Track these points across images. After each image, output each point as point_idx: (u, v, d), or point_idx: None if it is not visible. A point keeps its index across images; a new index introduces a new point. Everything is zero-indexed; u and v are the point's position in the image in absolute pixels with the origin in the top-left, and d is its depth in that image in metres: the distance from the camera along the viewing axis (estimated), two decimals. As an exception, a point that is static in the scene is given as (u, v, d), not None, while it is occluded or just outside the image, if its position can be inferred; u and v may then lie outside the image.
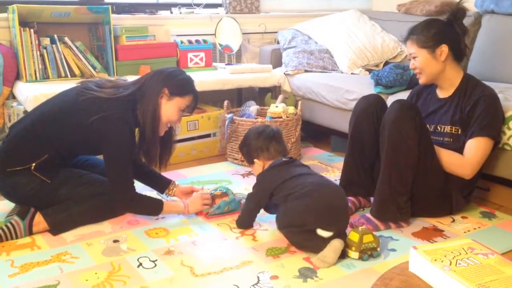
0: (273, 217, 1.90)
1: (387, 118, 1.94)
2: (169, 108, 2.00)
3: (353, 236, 1.75)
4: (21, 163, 1.93)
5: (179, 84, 2.02)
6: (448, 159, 1.98)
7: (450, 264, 1.01)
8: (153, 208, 2.02)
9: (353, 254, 1.74)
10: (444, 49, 1.99)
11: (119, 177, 1.93)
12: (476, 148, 1.95)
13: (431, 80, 2.07)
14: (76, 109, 1.93)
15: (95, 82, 2.04)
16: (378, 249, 1.77)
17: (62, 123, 1.94)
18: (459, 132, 2.01)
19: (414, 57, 2.05)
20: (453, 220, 2.07)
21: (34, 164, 1.92)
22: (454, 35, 2.02)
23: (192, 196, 2.15)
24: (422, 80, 2.08)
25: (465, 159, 1.96)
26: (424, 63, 2.02)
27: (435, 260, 1.03)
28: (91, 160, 2.23)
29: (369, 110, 2.08)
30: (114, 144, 1.91)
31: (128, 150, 1.95)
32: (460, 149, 2.00)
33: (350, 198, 2.14)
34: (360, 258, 1.74)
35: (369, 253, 1.75)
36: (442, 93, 2.10)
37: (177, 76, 2.03)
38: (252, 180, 2.54)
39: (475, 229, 2.01)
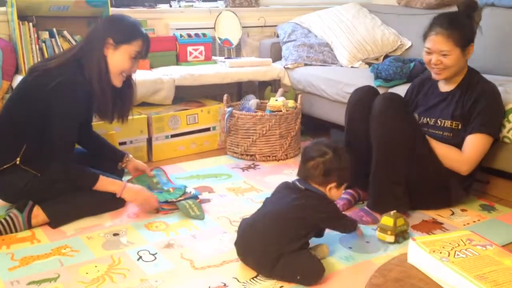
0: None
1: (373, 112, 1.95)
2: (118, 58, 1.94)
3: (387, 221, 1.80)
4: (6, 160, 1.93)
5: (123, 30, 1.95)
6: (446, 153, 1.97)
7: (449, 255, 1.01)
8: (85, 180, 1.96)
9: (389, 238, 1.79)
10: (471, 48, 1.97)
11: (63, 142, 1.90)
12: (474, 144, 1.95)
13: (451, 76, 2.01)
14: (30, 90, 1.93)
15: (43, 59, 2.01)
16: (408, 230, 1.84)
17: (24, 108, 1.93)
18: (459, 128, 2.01)
19: (444, 55, 1.93)
20: (453, 213, 2.07)
21: (18, 159, 1.92)
22: (475, 32, 1.99)
23: (139, 187, 2.09)
24: (442, 76, 2.00)
25: (463, 155, 1.96)
26: (455, 61, 1.95)
27: (434, 251, 1.03)
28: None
29: (362, 101, 2.08)
30: (65, 109, 1.88)
31: (79, 115, 1.93)
32: (459, 144, 1.99)
33: (349, 191, 2.15)
34: (396, 241, 1.79)
35: (402, 235, 1.81)
36: (444, 87, 2.09)
37: (120, 22, 1.97)
38: (252, 173, 2.55)
39: (474, 222, 2.01)
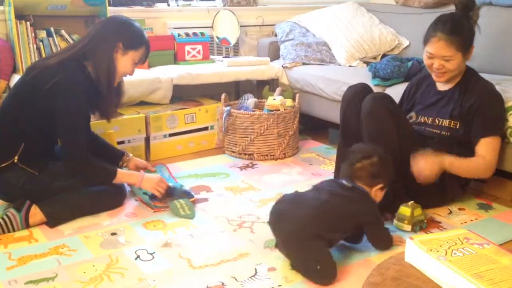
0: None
1: (363, 111, 1.96)
2: (124, 62, 2.01)
3: (404, 211, 1.87)
4: (3, 159, 1.93)
5: (133, 37, 2.01)
6: (471, 168, 1.96)
7: (446, 254, 1.01)
8: (106, 175, 2.01)
9: (406, 227, 1.87)
10: (472, 50, 1.97)
11: (74, 142, 1.93)
12: (492, 147, 1.96)
13: (451, 78, 2.01)
14: (28, 88, 1.94)
15: (42, 58, 2.03)
16: (425, 220, 1.91)
17: (22, 107, 1.93)
18: (457, 127, 2.01)
19: (447, 60, 1.93)
20: (450, 212, 2.08)
21: (16, 157, 1.92)
22: (474, 32, 1.98)
23: (152, 174, 2.18)
24: (443, 79, 2.00)
25: (488, 161, 1.95)
26: (457, 65, 1.95)
27: (431, 250, 1.03)
28: None
29: (355, 98, 2.08)
30: (68, 108, 1.90)
31: (82, 113, 1.97)
32: (456, 143, 2.00)
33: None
34: (413, 230, 1.87)
35: (419, 225, 1.89)
36: (442, 86, 2.09)
37: (129, 28, 2.02)
38: (250, 172, 2.55)
39: (472, 220, 2.01)
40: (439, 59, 1.94)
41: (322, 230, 1.60)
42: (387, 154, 1.80)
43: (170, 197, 2.12)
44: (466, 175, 2.00)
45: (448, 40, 1.90)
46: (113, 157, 2.27)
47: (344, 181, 1.75)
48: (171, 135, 2.77)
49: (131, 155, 2.32)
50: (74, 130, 1.93)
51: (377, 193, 1.77)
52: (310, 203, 1.66)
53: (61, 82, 1.87)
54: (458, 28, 1.92)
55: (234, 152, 2.79)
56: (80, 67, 1.95)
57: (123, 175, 2.06)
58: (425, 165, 1.90)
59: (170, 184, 2.20)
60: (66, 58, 1.94)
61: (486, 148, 1.96)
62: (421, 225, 1.90)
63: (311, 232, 1.58)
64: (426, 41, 1.99)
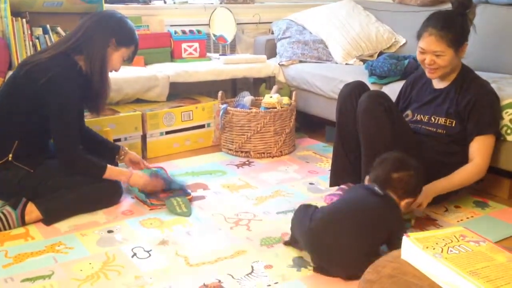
0: (268, 207, 1.89)
1: (359, 109, 1.97)
2: (115, 58, 2.04)
3: None
4: None
5: (126, 34, 2.04)
6: (462, 179, 1.96)
7: (442, 252, 1.02)
8: (96, 170, 2.02)
9: None
10: (465, 47, 1.96)
11: (67, 136, 1.94)
12: (486, 147, 1.96)
13: (444, 75, 2.02)
14: (21, 84, 1.94)
15: (34, 53, 2.03)
16: (413, 220, 1.90)
17: (15, 103, 1.93)
18: (453, 125, 2.01)
19: (438, 55, 1.93)
20: (446, 210, 2.08)
21: (11, 155, 1.92)
22: (469, 30, 1.98)
23: (141, 171, 2.20)
24: (436, 75, 2.00)
25: (480, 166, 1.96)
26: (449, 61, 1.94)
27: (427, 247, 1.03)
28: None
29: (351, 96, 2.09)
30: (61, 103, 1.92)
31: (75, 108, 1.98)
32: (452, 141, 2.01)
33: (342, 185, 2.15)
34: None
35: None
36: (438, 84, 2.09)
37: (124, 25, 2.05)
38: (247, 170, 2.55)
39: (468, 218, 2.02)
40: (431, 55, 1.95)
41: (372, 245, 1.57)
42: (420, 166, 1.74)
43: (167, 193, 2.12)
44: (462, 186, 2.00)
45: (438, 35, 1.90)
46: (109, 151, 2.27)
47: (376, 188, 1.69)
48: (167, 132, 2.77)
49: (126, 149, 2.33)
50: (67, 124, 1.93)
51: (404, 205, 1.72)
52: (350, 226, 1.58)
53: (54, 78, 1.88)
54: (450, 24, 1.92)
55: (230, 149, 2.79)
56: (72, 62, 1.96)
57: (113, 171, 2.07)
58: (426, 200, 1.89)
59: (167, 176, 2.20)
60: (59, 53, 1.95)
61: (479, 149, 1.96)
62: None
63: (366, 251, 1.54)
64: (418, 36, 2.00)
